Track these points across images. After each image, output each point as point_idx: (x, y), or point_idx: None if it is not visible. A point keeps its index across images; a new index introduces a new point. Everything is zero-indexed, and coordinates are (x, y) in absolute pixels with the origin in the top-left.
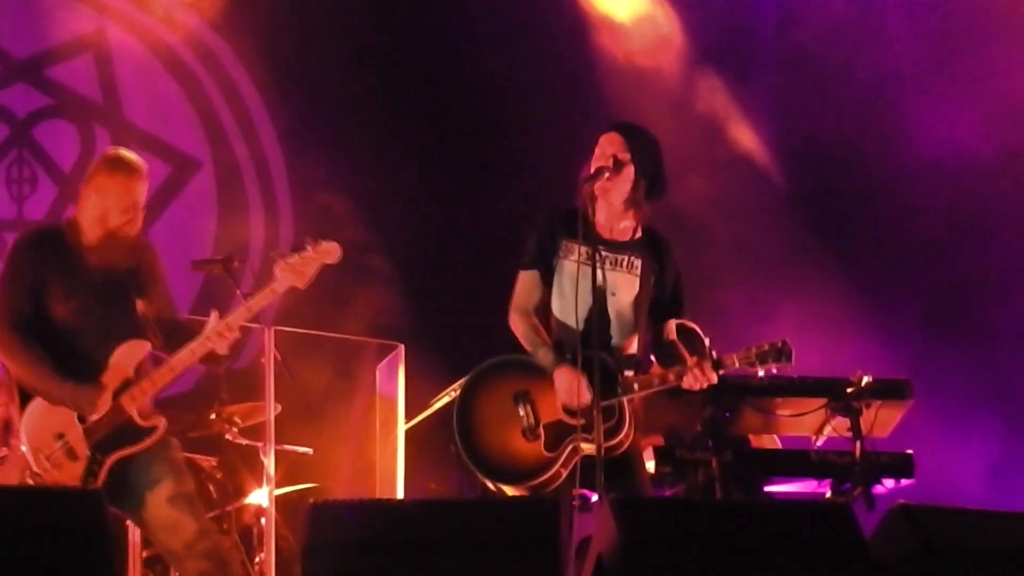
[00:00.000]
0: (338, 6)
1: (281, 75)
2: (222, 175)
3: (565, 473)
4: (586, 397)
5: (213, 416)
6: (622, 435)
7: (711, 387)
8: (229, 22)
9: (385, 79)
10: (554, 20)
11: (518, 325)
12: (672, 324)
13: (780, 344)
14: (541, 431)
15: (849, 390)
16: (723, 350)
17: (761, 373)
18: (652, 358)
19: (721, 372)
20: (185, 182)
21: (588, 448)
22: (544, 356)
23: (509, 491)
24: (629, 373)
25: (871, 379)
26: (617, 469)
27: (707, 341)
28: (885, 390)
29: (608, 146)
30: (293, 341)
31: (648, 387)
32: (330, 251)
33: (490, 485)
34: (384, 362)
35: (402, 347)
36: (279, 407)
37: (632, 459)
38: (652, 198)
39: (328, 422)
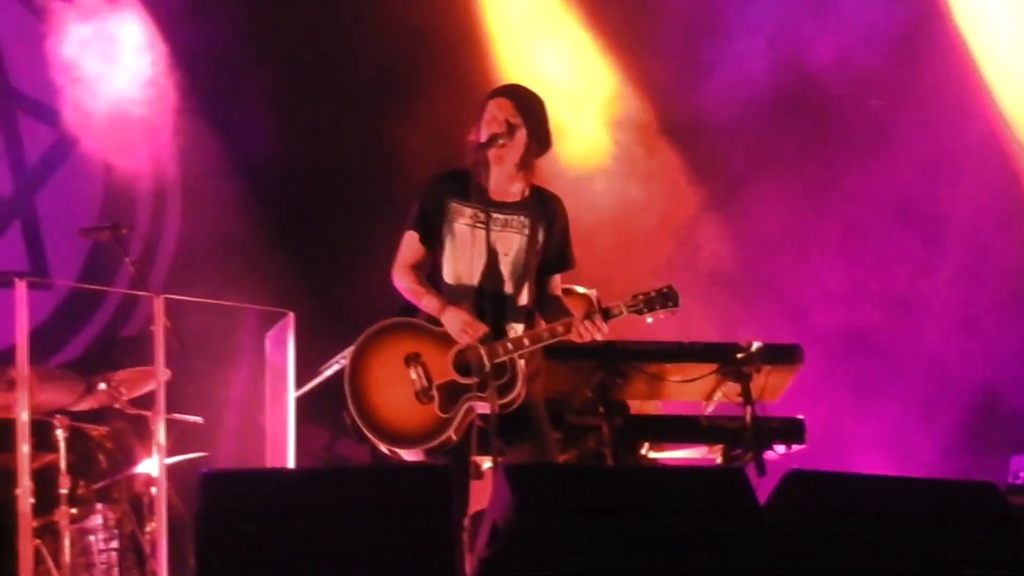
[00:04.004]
0: None
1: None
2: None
3: (462, 432)
4: (478, 330)
5: (102, 385)
6: (515, 392)
7: (600, 352)
8: None
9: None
10: None
11: (401, 280)
12: (557, 279)
13: (666, 289)
14: (435, 392)
15: (739, 355)
16: None
17: (649, 320)
18: (538, 314)
19: (609, 321)
20: (70, 147)
21: (483, 407)
22: (429, 303)
23: (406, 455)
24: (519, 327)
25: (761, 344)
26: (516, 426)
27: (594, 293)
28: (775, 355)
29: (499, 112)
30: (181, 309)
31: (538, 341)
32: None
33: (385, 450)
34: (273, 330)
35: (292, 315)
36: (168, 375)
37: (530, 416)
38: (540, 154)
39: (218, 390)
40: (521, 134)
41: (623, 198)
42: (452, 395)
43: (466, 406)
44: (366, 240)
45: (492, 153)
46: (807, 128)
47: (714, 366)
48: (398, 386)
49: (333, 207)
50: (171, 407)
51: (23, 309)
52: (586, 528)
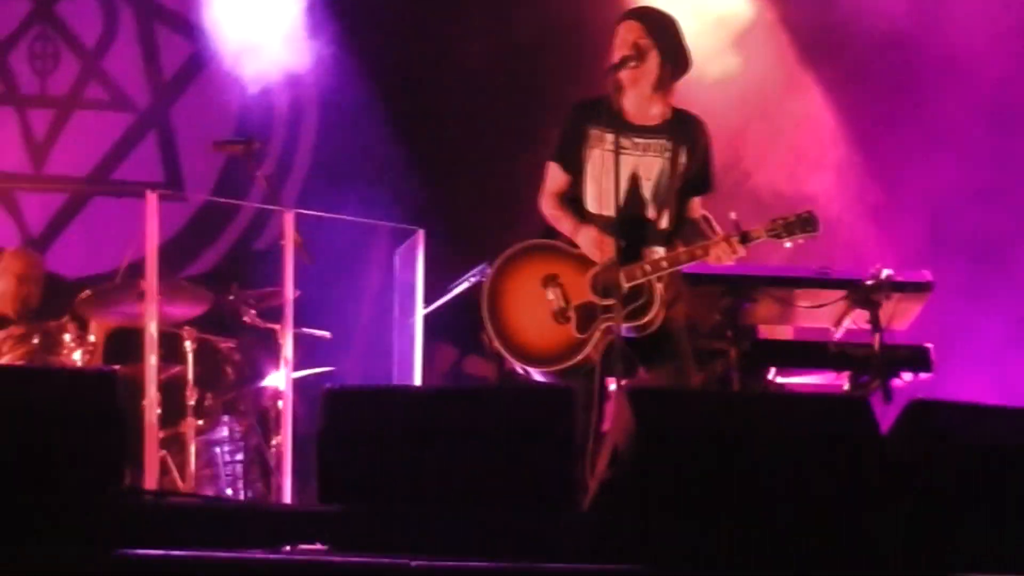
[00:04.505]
0: None
1: None
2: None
3: (600, 353)
4: (611, 248)
5: (231, 298)
6: (652, 313)
7: (729, 277)
8: None
9: None
10: None
11: (545, 208)
12: (697, 202)
13: (805, 214)
14: (572, 313)
15: (869, 282)
16: None
17: (788, 244)
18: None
19: (747, 243)
20: (208, 61)
21: (619, 326)
22: (567, 225)
23: (540, 374)
24: (660, 251)
25: (891, 271)
26: (656, 349)
27: (734, 215)
28: (905, 283)
29: (628, 34)
30: (312, 224)
31: (676, 263)
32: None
33: (520, 369)
34: (403, 246)
35: (421, 232)
36: (298, 290)
37: (671, 339)
38: (678, 76)
39: (347, 306)
40: (652, 55)
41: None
42: (589, 316)
43: (603, 327)
44: (497, 158)
45: (625, 76)
46: None
47: (843, 292)
48: (536, 306)
49: (466, 124)
50: (299, 321)
51: (153, 221)
52: (706, 454)
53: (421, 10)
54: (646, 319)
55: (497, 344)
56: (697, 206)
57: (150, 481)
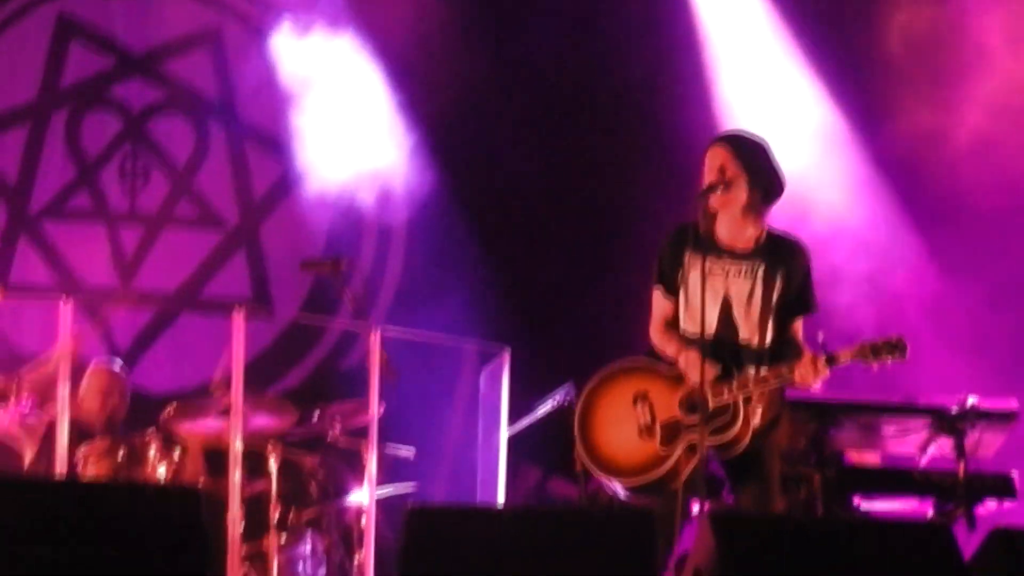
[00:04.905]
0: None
1: (398, 75)
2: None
3: (683, 471)
4: (711, 371)
5: (317, 415)
6: (736, 431)
7: (815, 403)
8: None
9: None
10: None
11: (654, 337)
12: (799, 323)
13: (895, 340)
14: (657, 428)
15: (954, 410)
16: None
17: (876, 368)
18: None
19: (834, 366)
20: (297, 181)
21: (707, 442)
22: (672, 347)
23: (622, 489)
24: (749, 371)
25: (976, 399)
26: (744, 470)
27: (821, 336)
28: (990, 412)
29: (714, 160)
30: (398, 343)
31: (764, 383)
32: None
33: (605, 486)
34: (489, 366)
35: (507, 351)
36: (382, 407)
37: (760, 460)
38: (771, 200)
39: (430, 424)
40: (740, 181)
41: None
42: (674, 432)
43: (686, 443)
44: (583, 277)
45: (714, 201)
46: None
47: (928, 420)
48: (624, 422)
49: (553, 244)
50: (384, 439)
51: (240, 337)
52: None
53: (507, 129)
54: (729, 437)
55: (584, 458)
56: (798, 327)
57: None
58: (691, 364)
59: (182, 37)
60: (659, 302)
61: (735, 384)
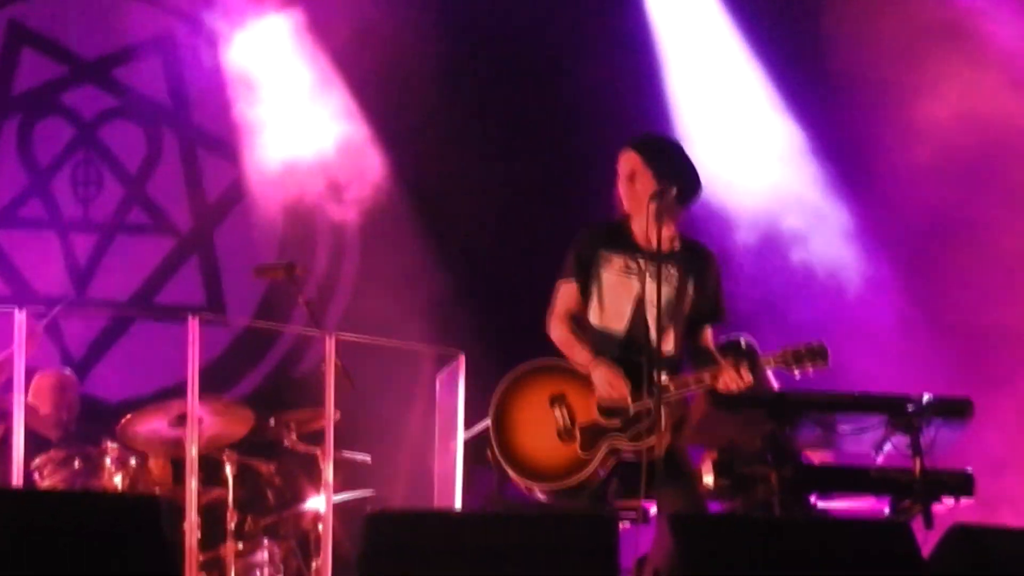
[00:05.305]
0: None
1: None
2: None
3: (603, 474)
4: (623, 389)
5: (272, 422)
6: (656, 437)
7: (771, 401)
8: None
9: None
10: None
11: (555, 330)
12: (708, 331)
13: (816, 346)
14: (577, 432)
15: (910, 407)
16: None
17: (798, 375)
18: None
19: (756, 373)
20: (250, 186)
21: (624, 447)
22: (580, 354)
23: (541, 492)
24: (665, 376)
25: (932, 396)
26: (662, 473)
27: (743, 341)
28: (946, 408)
29: (625, 164)
30: (354, 348)
31: (684, 388)
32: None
33: (523, 486)
34: (444, 371)
35: (463, 356)
36: (338, 413)
37: (675, 463)
38: (686, 202)
39: (387, 430)
40: (646, 181)
41: None
42: (594, 436)
43: (606, 447)
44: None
45: (628, 204)
46: None
47: (883, 417)
48: (542, 425)
49: (509, 249)
50: (340, 445)
51: (195, 345)
52: None
53: (463, 132)
54: (650, 442)
55: (500, 459)
56: (709, 335)
57: None
58: (604, 381)
59: (134, 43)
60: (567, 295)
61: (656, 391)
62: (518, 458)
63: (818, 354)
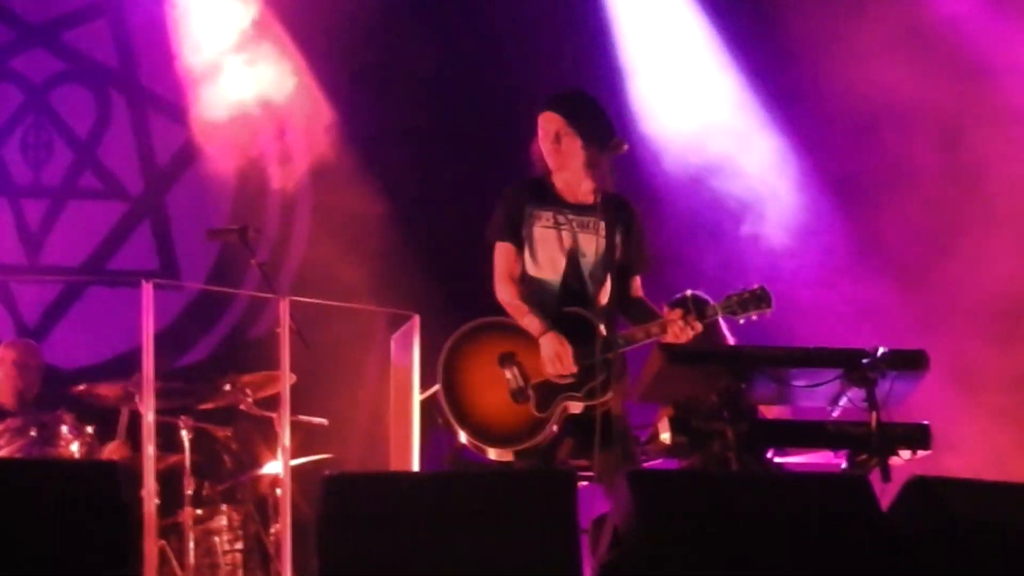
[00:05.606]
0: None
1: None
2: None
3: (557, 432)
4: (571, 367)
5: (228, 386)
6: (611, 392)
7: (726, 356)
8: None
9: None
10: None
11: (503, 295)
12: (638, 281)
13: (759, 291)
14: (531, 392)
15: (864, 360)
16: None
17: (742, 321)
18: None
19: (704, 321)
20: (200, 148)
21: (577, 407)
22: (530, 323)
23: (497, 455)
24: (601, 328)
25: (886, 349)
26: (601, 430)
27: (688, 292)
28: (900, 361)
29: (548, 125)
30: (308, 311)
31: (632, 341)
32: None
33: (473, 448)
34: (399, 332)
35: (417, 317)
36: (294, 377)
37: (610, 419)
38: (609, 153)
39: (343, 392)
40: (571, 140)
41: None
42: (548, 394)
43: (562, 405)
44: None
45: (551, 161)
46: None
47: (839, 371)
48: (493, 386)
49: (461, 209)
50: (297, 409)
51: (149, 310)
52: (707, 534)
53: (412, 90)
54: (605, 397)
55: (454, 422)
56: (638, 285)
57: (149, 571)
58: (553, 354)
59: (82, 7)
60: (507, 256)
61: (602, 345)
62: (472, 421)
63: (761, 299)
